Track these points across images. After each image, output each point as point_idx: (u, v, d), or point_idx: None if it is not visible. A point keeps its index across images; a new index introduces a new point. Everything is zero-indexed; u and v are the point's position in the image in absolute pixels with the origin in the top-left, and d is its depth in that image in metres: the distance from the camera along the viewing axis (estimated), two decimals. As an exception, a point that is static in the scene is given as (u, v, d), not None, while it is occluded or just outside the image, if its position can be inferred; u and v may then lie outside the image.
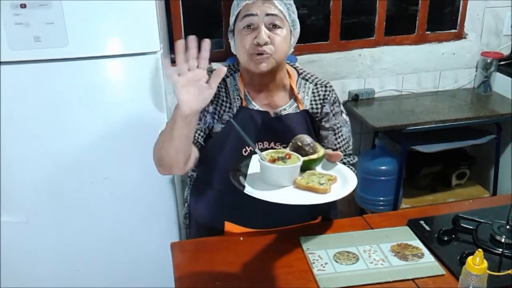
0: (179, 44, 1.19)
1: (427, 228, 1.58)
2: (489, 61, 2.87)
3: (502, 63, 2.92)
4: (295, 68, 1.63)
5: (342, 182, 1.29)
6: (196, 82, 1.18)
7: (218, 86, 1.44)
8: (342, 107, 1.63)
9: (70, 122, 1.91)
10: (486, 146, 2.85)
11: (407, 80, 2.97)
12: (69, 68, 1.83)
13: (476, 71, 2.99)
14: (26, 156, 1.89)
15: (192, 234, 1.58)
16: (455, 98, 2.92)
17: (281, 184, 1.28)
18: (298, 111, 1.56)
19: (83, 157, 1.96)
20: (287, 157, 1.30)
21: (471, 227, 1.55)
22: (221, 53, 2.65)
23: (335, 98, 1.60)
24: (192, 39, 1.18)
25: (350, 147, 1.63)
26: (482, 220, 1.55)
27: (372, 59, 2.87)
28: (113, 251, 2.09)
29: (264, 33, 1.41)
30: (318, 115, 1.58)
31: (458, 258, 1.40)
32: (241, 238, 1.48)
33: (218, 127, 1.56)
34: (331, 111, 1.59)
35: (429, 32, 2.94)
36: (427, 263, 1.41)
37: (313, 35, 2.83)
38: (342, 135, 1.60)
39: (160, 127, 1.77)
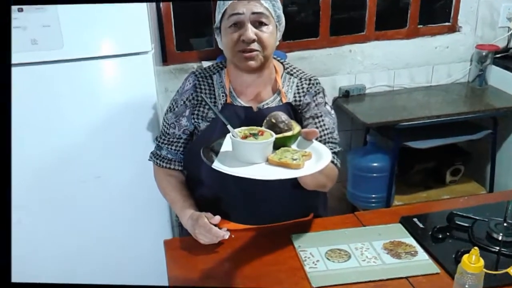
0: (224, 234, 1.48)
1: (421, 225, 1.56)
2: (484, 54, 2.80)
3: (497, 55, 2.84)
4: (281, 63, 1.65)
5: (316, 158, 1.29)
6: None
7: (201, 87, 1.60)
8: (326, 99, 1.63)
9: (64, 122, 1.96)
10: (482, 141, 2.78)
11: (399, 75, 2.91)
12: (64, 70, 1.88)
13: (470, 64, 2.92)
14: (20, 155, 1.87)
15: (185, 231, 1.61)
16: (448, 93, 2.85)
17: (252, 160, 1.27)
18: (281, 104, 1.58)
19: (76, 156, 2.00)
20: (259, 133, 1.30)
21: (466, 225, 1.52)
22: (212, 52, 2.65)
23: (317, 89, 1.61)
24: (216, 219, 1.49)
25: (334, 138, 1.61)
26: (478, 218, 1.52)
27: (363, 55, 2.83)
28: (107, 249, 2.15)
29: (251, 31, 1.43)
30: (301, 107, 1.60)
31: (453, 256, 1.37)
32: (233, 236, 1.51)
33: (203, 126, 1.59)
34: (313, 101, 1.59)
35: (421, 26, 2.87)
36: (421, 261, 1.39)
37: (303, 31, 2.80)
38: (324, 124, 1.59)
39: (151, 126, 2.03)
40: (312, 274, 1.36)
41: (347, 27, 2.85)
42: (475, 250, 1.15)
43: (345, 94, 2.79)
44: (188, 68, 2.60)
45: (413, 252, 1.43)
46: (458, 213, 1.55)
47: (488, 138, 2.76)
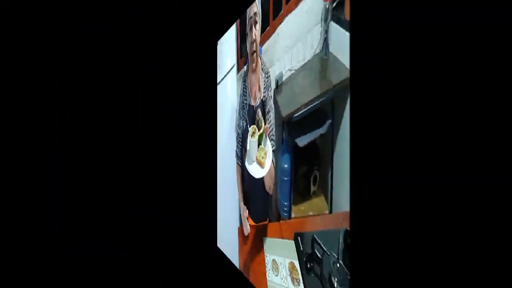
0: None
1: (301, 247, 1.47)
2: (327, 6, 1.92)
3: (335, 3, 1.87)
4: (260, 58, 1.71)
5: (268, 157, 1.27)
6: None
7: (243, 90, 1.65)
8: (272, 92, 1.65)
9: (223, 127, 2.57)
10: (326, 137, 1.72)
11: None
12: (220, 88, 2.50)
13: (321, 26, 1.92)
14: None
15: None
16: (311, 71, 1.82)
17: (252, 157, 1.28)
18: (259, 101, 1.67)
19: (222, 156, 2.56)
20: (254, 132, 1.32)
21: (320, 257, 1.35)
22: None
23: (269, 82, 1.65)
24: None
25: (274, 135, 1.65)
26: (325, 249, 1.33)
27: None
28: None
29: (253, 31, 1.48)
30: (265, 102, 1.66)
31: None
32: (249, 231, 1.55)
33: (244, 125, 1.78)
34: (268, 95, 1.65)
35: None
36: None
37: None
38: (270, 120, 1.65)
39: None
40: (269, 283, 1.41)
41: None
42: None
43: (277, 83, 2.33)
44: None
45: (298, 280, 1.36)
46: (317, 239, 1.38)
47: (329, 132, 1.76)
